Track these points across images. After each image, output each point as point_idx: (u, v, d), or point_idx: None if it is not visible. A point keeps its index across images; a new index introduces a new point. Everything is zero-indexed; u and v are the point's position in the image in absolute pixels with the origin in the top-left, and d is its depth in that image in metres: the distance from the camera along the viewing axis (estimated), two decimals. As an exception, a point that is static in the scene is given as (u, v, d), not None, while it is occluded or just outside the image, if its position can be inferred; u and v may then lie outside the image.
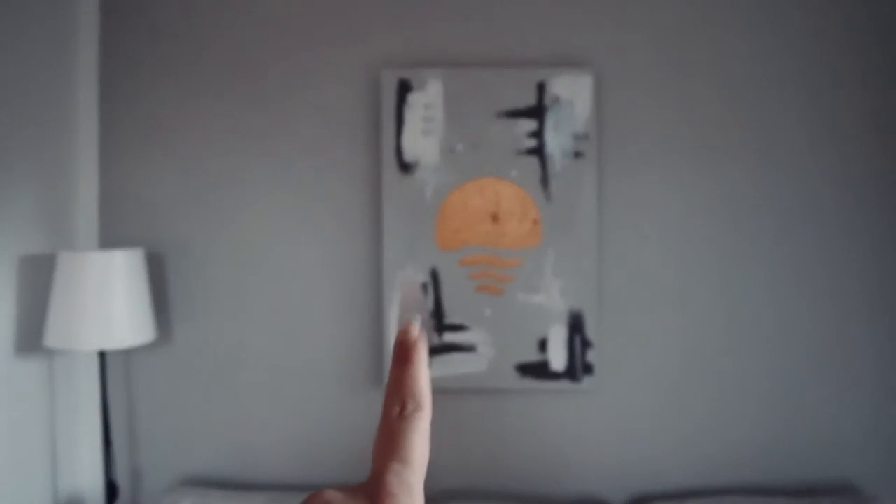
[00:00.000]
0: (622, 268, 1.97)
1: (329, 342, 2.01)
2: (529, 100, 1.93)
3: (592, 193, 1.93)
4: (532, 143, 1.93)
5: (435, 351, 1.94)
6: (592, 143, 1.92)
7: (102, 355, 1.81)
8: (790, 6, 1.96)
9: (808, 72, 1.95)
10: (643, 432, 1.97)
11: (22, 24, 1.78)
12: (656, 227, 1.97)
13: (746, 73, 1.96)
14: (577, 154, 1.92)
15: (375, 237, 2.00)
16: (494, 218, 1.93)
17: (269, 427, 2.01)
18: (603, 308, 1.97)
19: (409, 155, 1.94)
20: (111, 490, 1.83)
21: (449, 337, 1.94)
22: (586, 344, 1.93)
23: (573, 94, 1.92)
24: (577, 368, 1.93)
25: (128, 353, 2.02)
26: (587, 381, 1.93)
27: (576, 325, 1.93)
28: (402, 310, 1.94)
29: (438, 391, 1.96)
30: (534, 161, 1.93)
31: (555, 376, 1.93)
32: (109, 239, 2.03)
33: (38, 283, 1.83)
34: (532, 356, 1.94)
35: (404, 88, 1.94)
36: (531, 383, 1.94)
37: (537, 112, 1.93)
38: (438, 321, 1.94)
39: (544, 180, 1.93)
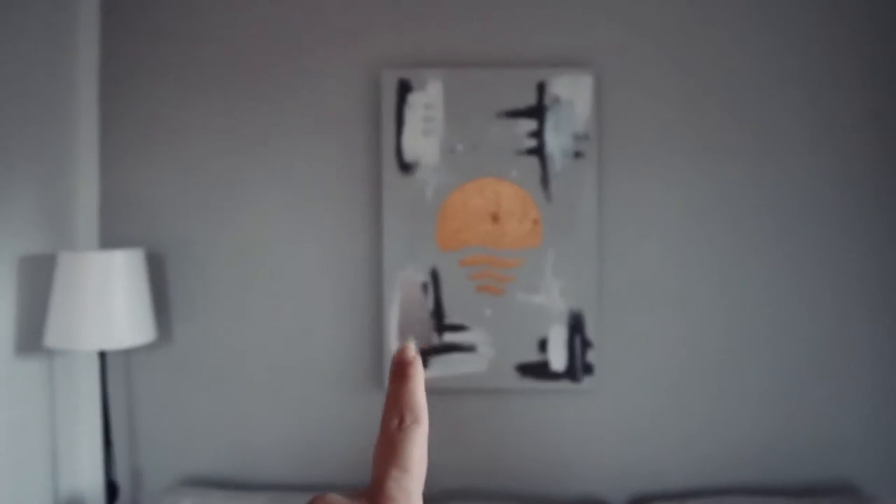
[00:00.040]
0: (622, 268, 1.97)
1: (329, 342, 2.01)
2: (529, 100, 1.93)
3: (592, 193, 1.93)
4: (532, 143, 1.93)
5: (435, 351, 1.94)
6: (592, 144, 1.92)
7: (103, 355, 1.81)
8: (790, 6, 1.96)
9: (808, 72, 1.95)
10: (643, 432, 1.97)
11: (22, 24, 1.78)
12: (656, 227, 1.97)
13: (746, 73, 1.96)
14: (578, 154, 1.93)
15: (375, 237, 2.00)
16: (494, 218, 1.93)
17: (269, 427, 2.01)
18: (603, 308, 1.97)
19: (409, 155, 1.94)
20: (111, 490, 1.83)
21: (449, 337, 1.94)
22: (586, 344, 1.93)
23: (573, 94, 1.92)
24: (578, 368, 1.93)
25: (128, 353, 2.02)
26: (587, 382, 1.93)
27: (576, 326, 1.93)
28: (402, 310, 1.94)
29: (438, 391, 1.96)
30: (534, 161, 1.93)
31: (555, 376, 1.93)
32: (110, 239, 2.03)
33: (38, 283, 1.84)
34: (532, 356, 1.94)
35: (404, 88, 1.94)
36: (531, 383, 1.94)
37: (537, 112, 1.93)
38: (438, 321, 1.94)
39: (544, 180, 1.93)
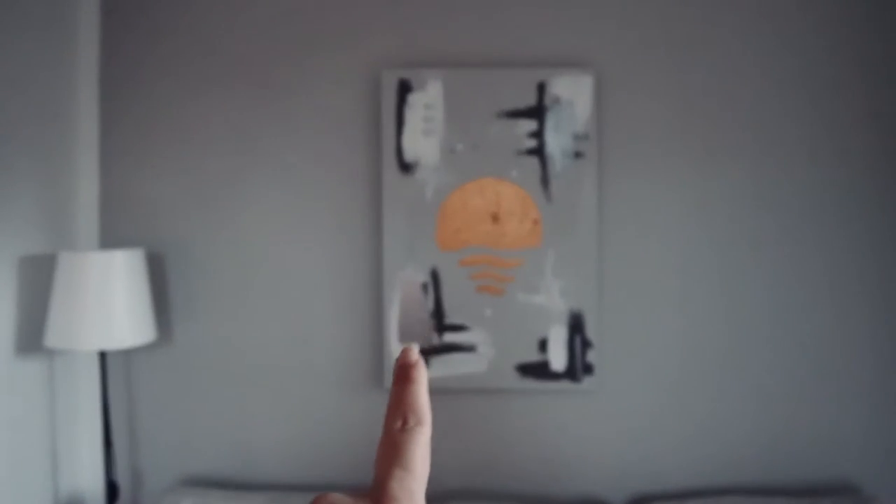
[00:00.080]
0: (622, 268, 1.97)
1: (329, 342, 2.01)
2: (530, 100, 1.93)
3: (592, 194, 1.93)
4: (532, 143, 1.93)
5: (435, 351, 1.94)
6: (592, 144, 1.92)
7: (103, 355, 1.81)
8: (790, 7, 1.96)
9: (808, 72, 1.96)
10: (643, 432, 1.97)
11: (22, 24, 1.78)
12: (656, 227, 1.97)
13: (746, 73, 1.96)
14: (578, 154, 1.93)
15: (375, 237, 2.00)
16: (495, 218, 1.93)
17: (269, 427, 2.01)
18: (603, 308, 1.97)
19: (409, 155, 1.94)
20: (112, 490, 1.83)
21: (449, 337, 1.94)
22: (586, 344, 1.93)
23: (573, 94, 1.92)
24: (578, 368, 1.93)
25: (128, 354, 2.02)
26: (587, 382, 1.93)
27: (576, 326, 1.93)
28: (402, 310, 1.94)
29: (439, 391, 1.96)
30: (534, 161, 1.93)
31: (555, 376, 1.94)
32: (110, 239, 2.03)
33: (38, 283, 1.83)
34: (532, 356, 1.94)
35: (404, 89, 1.94)
36: (531, 383, 1.94)
37: (537, 112, 1.93)
38: (439, 321, 1.94)
39: (544, 180, 1.93)
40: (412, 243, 1.94)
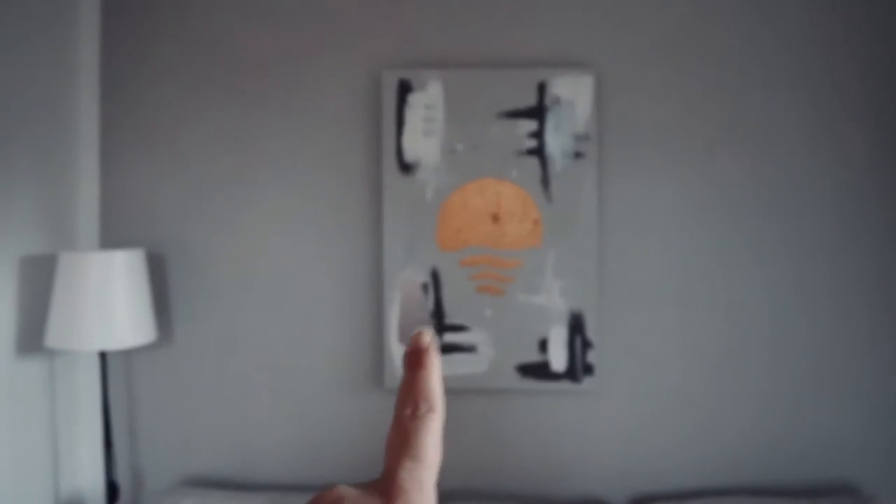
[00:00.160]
0: (622, 268, 1.97)
1: (329, 342, 2.01)
2: (530, 100, 1.93)
3: (593, 194, 1.93)
4: (532, 143, 1.93)
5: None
6: (593, 144, 1.92)
7: (103, 356, 1.81)
8: (790, 6, 1.96)
9: (808, 72, 1.96)
10: (643, 432, 1.97)
11: (22, 24, 1.78)
12: (656, 228, 1.97)
13: (746, 73, 1.96)
14: (578, 155, 1.93)
15: (376, 238, 2.00)
16: (495, 218, 1.94)
17: (270, 427, 2.01)
18: (603, 308, 1.97)
19: (409, 155, 1.94)
20: (112, 490, 1.83)
21: (449, 337, 1.94)
22: (587, 344, 1.93)
23: (574, 94, 1.92)
24: (578, 369, 1.93)
25: (128, 354, 2.02)
26: (587, 382, 1.93)
27: (576, 326, 1.93)
28: (402, 310, 1.94)
29: (439, 391, 1.96)
30: (534, 161, 1.93)
31: (555, 377, 1.94)
32: (110, 239, 2.03)
33: (38, 283, 1.84)
34: (532, 357, 1.94)
35: (405, 89, 1.94)
36: (532, 384, 1.94)
37: (538, 112, 1.93)
38: (439, 322, 1.94)
39: (545, 181, 1.93)
40: (412, 243, 1.94)
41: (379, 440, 1.99)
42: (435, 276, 1.94)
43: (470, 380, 1.94)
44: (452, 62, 1.98)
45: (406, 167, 1.94)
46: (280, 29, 2.01)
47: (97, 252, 1.73)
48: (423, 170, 1.94)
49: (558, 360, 1.93)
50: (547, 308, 1.94)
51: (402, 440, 0.31)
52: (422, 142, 1.94)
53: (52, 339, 1.71)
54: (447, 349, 1.94)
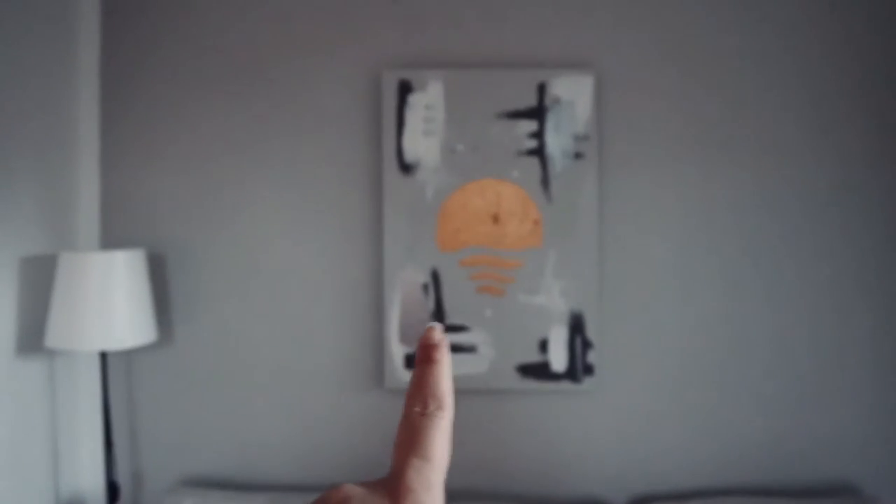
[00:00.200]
0: (622, 268, 1.97)
1: (329, 342, 2.01)
2: (530, 100, 1.93)
3: (593, 194, 1.93)
4: (533, 143, 1.93)
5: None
6: (593, 144, 1.92)
7: (103, 356, 1.81)
8: (790, 7, 1.96)
9: (808, 72, 1.96)
10: (644, 433, 1.98)
11: (22, 23, 1.78)
12: (656, 228, 1.97)
13: (746, 73, 1.96)
14: (578, 155, 1.93)
15: (376, 238, 2.00)
16: (495, 219, 1.94)
17: (270, 427, 2.01)
18: (603, 309, 1.97)
19: (409, 156, 1.94)
20: (112, 491, 1.83)
21: (450, 337, 1.94)
22: (587, 345, 1.93)
23: (574, 94, 1.92)
24: (578, 369, 1.93)
25: (129, 354, 2.02)
26: (588, 382, 1.93)
27: (576, 326, 1.93)
28: (402, 310, 1.94)
29: (439, 391, 1.96)
30: (534, 162, 1.93)
31: (555, 377, 1.94)
32: (110, 239, 2.03)
33: (39, 283, 1.84)
34: (533, 357, 1.94)
35: (405, 89, 1.94)
36: (532, 384, 1.94)
37: (538, 113, 1.93)
38: (439, 322, 1.94)
39: (545, 181, 1.93)
40: (412, 244, 1.94)
41: (379, 440, 2.00)
42: (435, 277, 1.94)
43: (470, 380, 1.94)
44: (453, 62, 1.98)
45: (406, 167, 1.94)
46: (280, 29, 2.01)
47: (97, 252, 1.73)
48: (424, 170, 1.94)
49: (558, 360, 1.93)
50: (547, 308, 1.94)
51: (410, 438, 0.31)
52: (422, 142, 1.94)
53: (53, 339, 1.71)
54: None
